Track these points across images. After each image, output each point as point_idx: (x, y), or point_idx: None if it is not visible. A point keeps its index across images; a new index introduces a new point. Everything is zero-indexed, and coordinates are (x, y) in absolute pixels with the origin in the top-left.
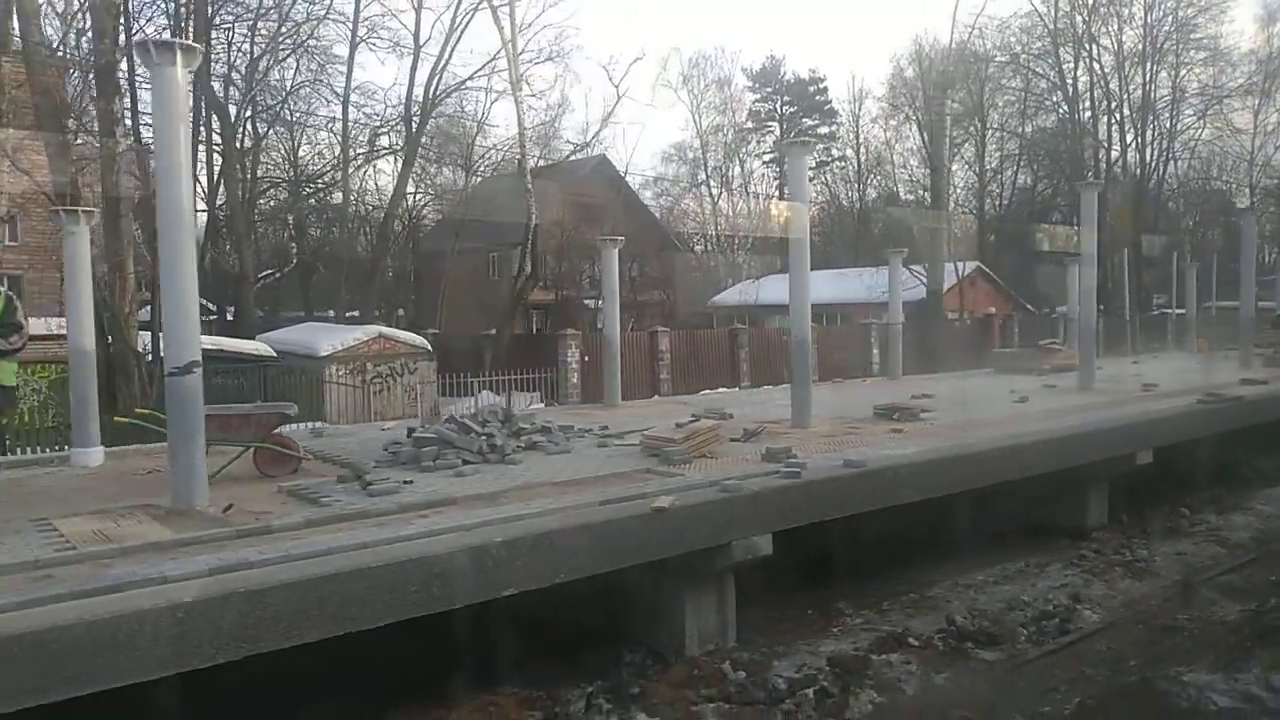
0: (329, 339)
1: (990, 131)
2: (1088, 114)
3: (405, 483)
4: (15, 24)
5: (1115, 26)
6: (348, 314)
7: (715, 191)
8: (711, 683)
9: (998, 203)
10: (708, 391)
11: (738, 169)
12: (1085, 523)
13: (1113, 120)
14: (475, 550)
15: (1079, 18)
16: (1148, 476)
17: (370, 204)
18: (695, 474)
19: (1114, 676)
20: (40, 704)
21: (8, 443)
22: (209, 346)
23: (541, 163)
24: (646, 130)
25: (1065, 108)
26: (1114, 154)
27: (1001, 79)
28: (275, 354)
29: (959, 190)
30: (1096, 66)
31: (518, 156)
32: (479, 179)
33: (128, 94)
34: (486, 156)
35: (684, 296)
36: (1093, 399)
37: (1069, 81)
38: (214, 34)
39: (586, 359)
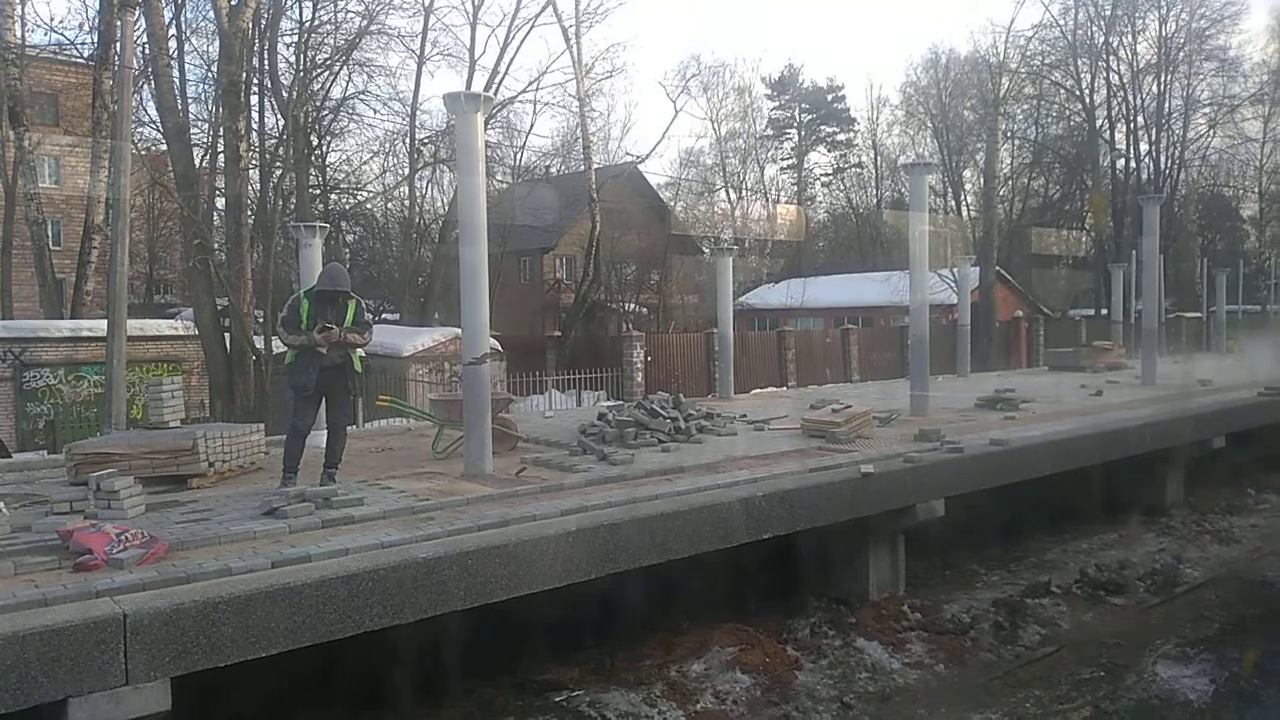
0: (410, 340)
1: (1005, 139)
2: (1101, 122)
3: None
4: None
5: (1130, 38)
6: (394, 317)
7: (733, 197)
8: (898, 619)
9: (1010, 208)
10: (758, 390)
11: (756, 175)
12: (1164, 500)
13: (1129, 128)
14: (745, 501)
15: (1095, 29)
16: (1211, 460)
17: (424, 211)
18: (869, 450)
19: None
20: (486, 603)
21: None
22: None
23: (567, 170)
24: (659, 136)
25: (1081, 115)
26: (1131, 163)
27: (1016, 87)
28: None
29: (971, 195)
30: (1114, 77)
31: (546, 165)
32: (505, 185)
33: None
34: (522, 163)
35: (704, 299)
36: (1160, 393)
37: (1085, 90)
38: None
39: (650, 359)
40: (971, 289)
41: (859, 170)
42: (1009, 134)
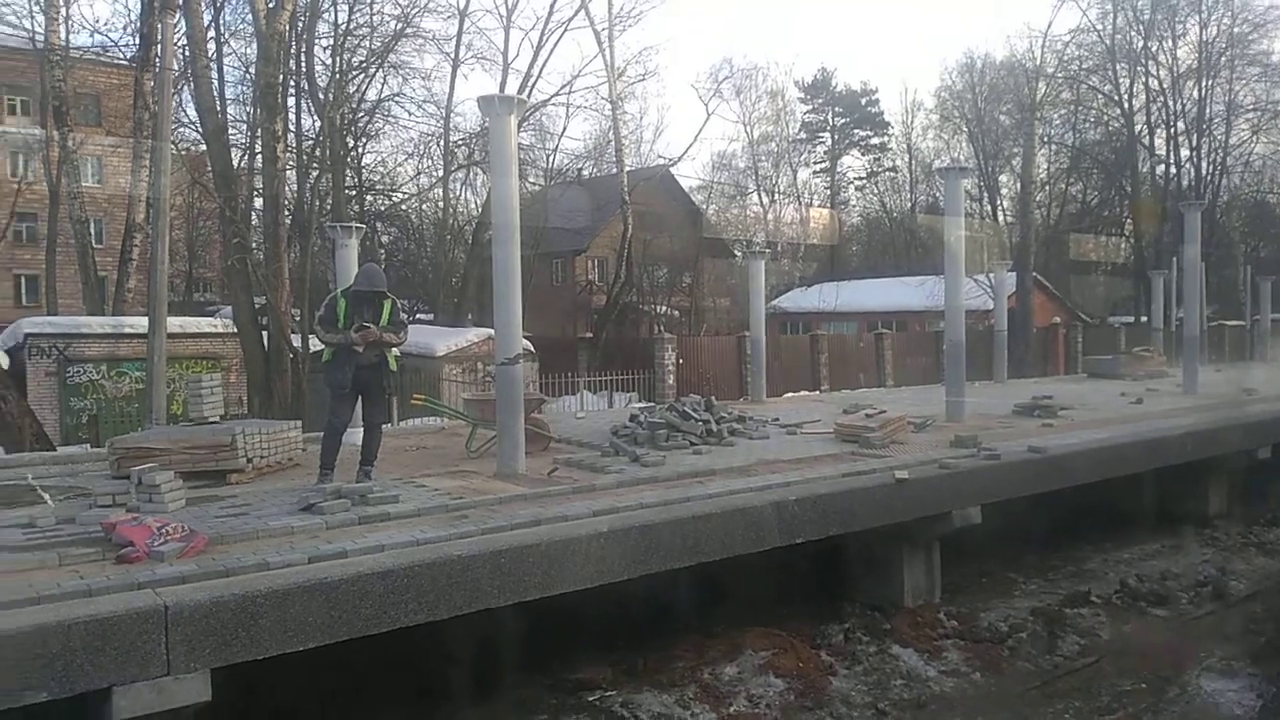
0: (444, 340)
1: (1042, 144)
2: (1141, 127)
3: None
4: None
5: (1170, 42)
6: (428, 317)
7: (766, 200)
8: (934, 627)
9: (1047, 213)
10: (791, 394)
11: (789, 178)
12: (1207, 511)
13: (1169, 133)
14: (778, 505)
15: (1134, 33)
16: (1257, 471)
17: (458, 213)
18: (903, 455)
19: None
20: (519, 602)
21: None
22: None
23: (599, 173)
24: (691, 139)
25: (1120, 121)
26: (1171, 169)
27: (1053, 92)
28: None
29: (1007, 200)
30: (1153, 82)
31: (579, 167)
32: (538, 187)
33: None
34: (554, 165)
35: (736, 302)
36: (1202, 401)
37: (1124, 95)
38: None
39: (681, 361)
40: (1008, 294)
41: (893, 174)
42: (1046, 139)
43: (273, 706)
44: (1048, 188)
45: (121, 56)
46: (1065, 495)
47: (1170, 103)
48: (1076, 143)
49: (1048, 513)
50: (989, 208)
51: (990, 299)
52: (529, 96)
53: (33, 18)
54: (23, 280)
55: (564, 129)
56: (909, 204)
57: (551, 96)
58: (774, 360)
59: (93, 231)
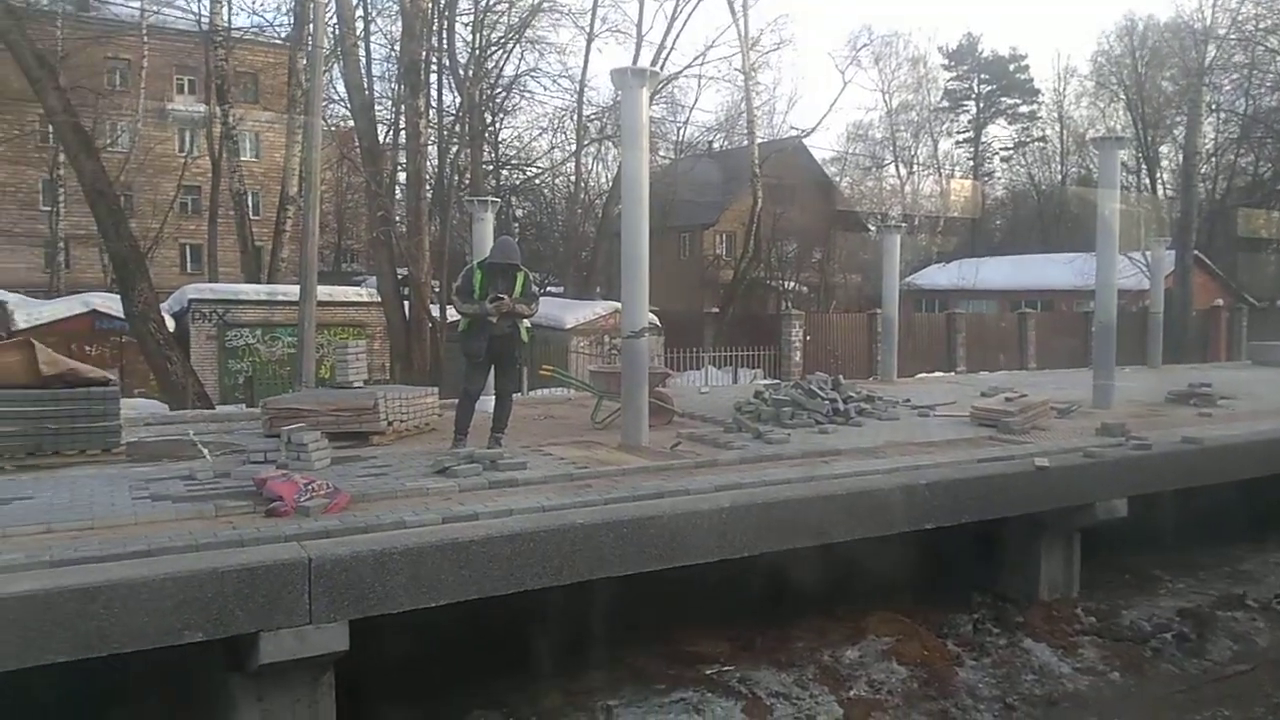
0: (572, 313)
1: (1209, 111)
2: None
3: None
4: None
5: None
6: (558, 289)
7: (903, 172)
8: (1070, 622)
9: (1212, 187)
10: (924, 374)
11: (929, 149)
12: None
13: None
14: (906, 488)
15: None
16: None
17: (589, 186)
18: (1044, 442)
19: None
20: (639, 572)
21: None
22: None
23: (730, 145)
24: (826, 109)
25: None
26: None
27: (1224, 55)
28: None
29: (1168, 173)
30: None
31: (709, 140)
32: (668, 160)
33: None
34: (685, 138)
35: (868, 278)
36: None
37: None
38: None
39: (809, 338)
40: (1166, 274)
41: (1042, 144)
42: (1214, 106)
43: (402, 661)
44: (1214, 159)
45: (277, 36)
46: (1221, 491)
47: None
48: (1249, 110)
49: (1201, 509)
50: (1147, 181)
51: (1146, 278)
52: (662, 69)
53: (199, 2)
54: (187, 249)
55: (695, 101)
56: (1059, 176)
57: (684, 68)
58: (907, 339)
59: (250, 203)
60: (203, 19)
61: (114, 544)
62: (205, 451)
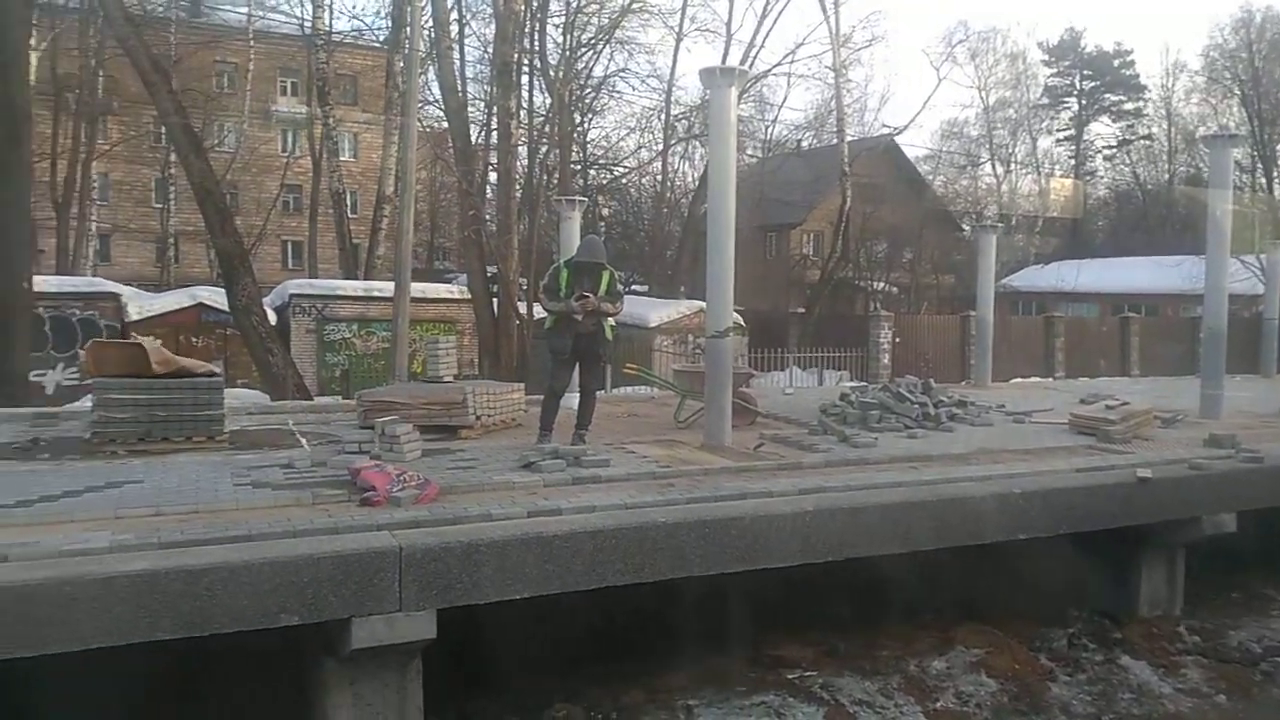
0: (656, 311)
1: None
2: None
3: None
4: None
5: None
6: (642, 288)
7: (1000, 170)
8: (1172, 641)
9: None
10: (1019, 379)
11: (1027, 147)
12: None
13: None
14: (1000, 497)
15: None
16: None
17: (674, 186)
18: (1147, 452)
19: None
20: (721, 574)
21: None
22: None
23: (818, 144)
24: (919, 106)
25: None
26: None
27: None
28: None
29: None
30: None
31: (798, 138)
32: (755, 159)
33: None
34: (773, 137)
35: (961, 279)
36: None
37: None
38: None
39: (898, 340)
40: None
41: (1148, 142)
42: None
43: (486, 651)
44: None
45: (375, 40)
46: None
47: None
48: None
49: None
50: (1263, 180)
51: (1260, 282)
52: (750, 67)
53: (302, 6)
54: (289, 245)
55: (784, 99)
56: (1165, 176)
57: (773, 67)
58: (1002, 343)
59: (348, 202)
60: (305, 23)
61: (217, 528)
62: (303, 441)
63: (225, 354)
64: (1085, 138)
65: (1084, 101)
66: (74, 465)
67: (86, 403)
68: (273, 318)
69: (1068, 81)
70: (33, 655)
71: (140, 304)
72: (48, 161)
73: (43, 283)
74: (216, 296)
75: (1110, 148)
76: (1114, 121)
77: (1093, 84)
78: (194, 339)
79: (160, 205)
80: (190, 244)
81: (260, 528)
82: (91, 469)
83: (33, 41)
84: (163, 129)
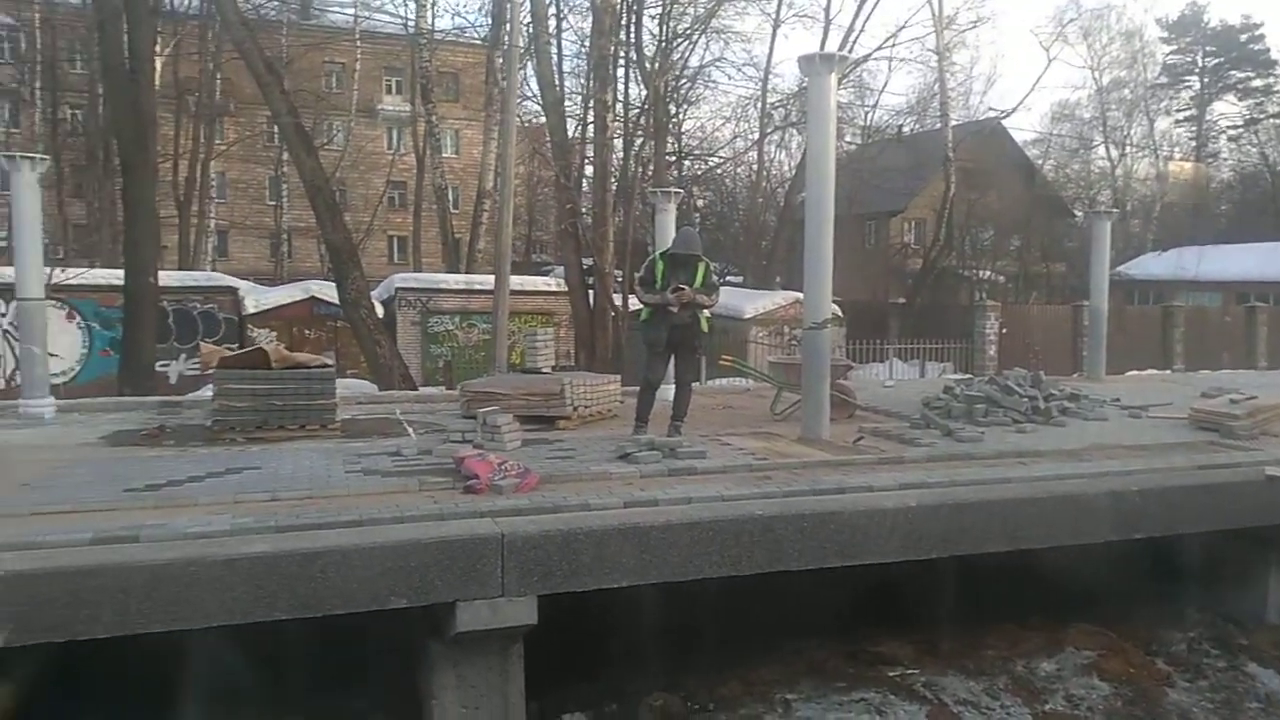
0: (751, 303)
1: None
2: None
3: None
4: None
5: None
6: (737, 279)
7: (1114, 153)
8: None
9: None
10: (1135, 372)
11: (1144, 128)
12: None
13: None
14: (1114, 495)
15: None
16: None
17: (770, 175)
18: (1276, 450)
19: None
20: (820, 568)
21: None
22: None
23: (920, 129)
24: (1028, 88)
25: None
26: None
27: None
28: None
29: None
30: None
31: (899, 124)
32: (854, 146)
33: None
34: (873, 123)
35: (1072, 267)
36: None
37: None
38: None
39: (1005, 331)
40: None
41: (1278, 121)
42: None
43: (586, 639)
44: None
45: (476, 37)
46: None
47: None
48: None
49: None
50: None
51: None
52: (850, 52)
53: (406, 5)
54: (394, 240)
55: (885, 84)
56: None
57: (874, 51)
58: (1116, 334)
59: (450, 197)
60: (409, 22)
61: (330, 513)
62: (410, 430)
63: (336, 345)
64: (1208, 118)
65: (1206, 80)
66: (196, 451)
67: (207, 392)
68: (380, 311)
69: (1189, 59)
70: (161, 631)
71: (256, 297)
72: (170, 162)
73: (166, 277)
74: (327, 290)
75: (1236, 128)
76: (1240, 100)
77: (1217, 60)
78: (306, 331)
79: (274, 202)
80: (302, 239)
81: (370, 513)
82: (213, 455)
83: (156, 48)
84: (276, 128)
